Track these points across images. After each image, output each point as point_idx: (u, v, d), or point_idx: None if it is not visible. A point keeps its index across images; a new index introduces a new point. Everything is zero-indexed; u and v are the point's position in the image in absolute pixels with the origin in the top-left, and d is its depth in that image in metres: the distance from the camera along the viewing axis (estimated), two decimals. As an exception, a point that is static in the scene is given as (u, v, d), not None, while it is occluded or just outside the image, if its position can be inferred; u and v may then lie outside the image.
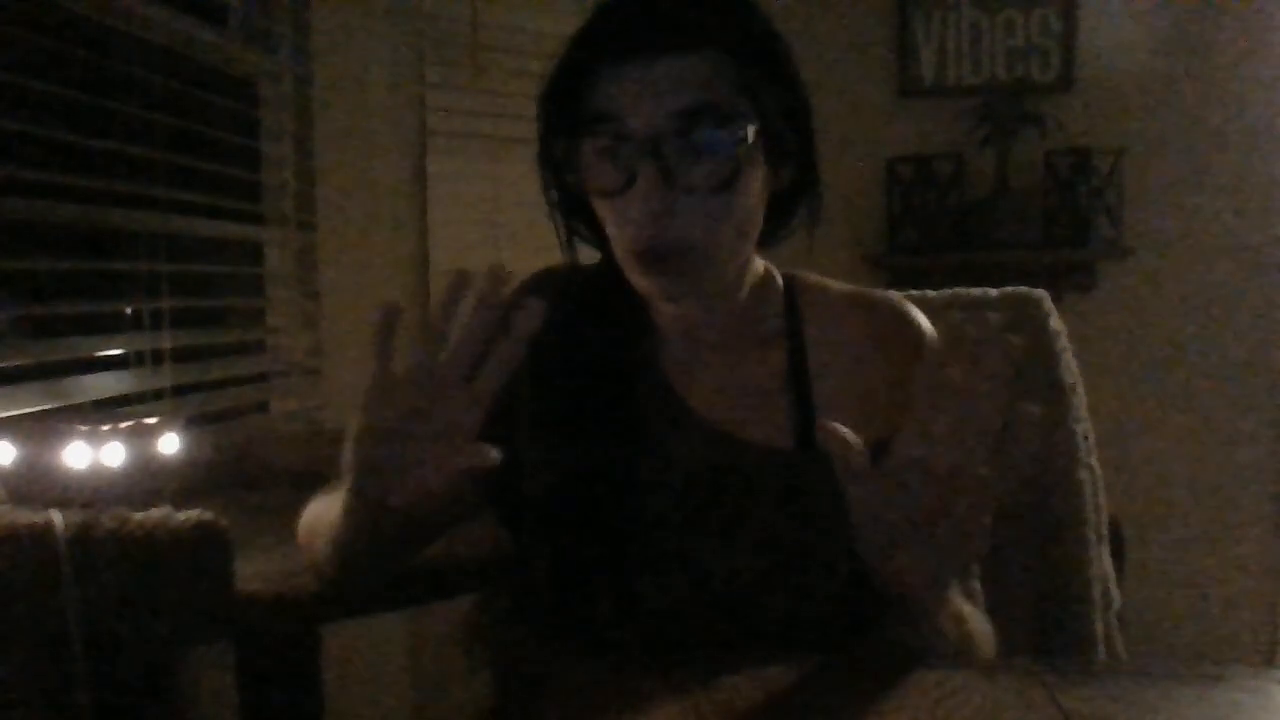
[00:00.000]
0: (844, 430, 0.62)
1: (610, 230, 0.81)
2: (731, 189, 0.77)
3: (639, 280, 0.81)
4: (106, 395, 1.33)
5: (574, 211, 0.88)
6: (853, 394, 0.83)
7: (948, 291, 1.24)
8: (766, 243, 0.88)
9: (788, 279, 0.91)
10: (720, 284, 0.83)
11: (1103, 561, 1.19)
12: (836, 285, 0.90)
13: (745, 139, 0.76)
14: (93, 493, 0.96)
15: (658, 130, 0.74)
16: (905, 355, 0.83)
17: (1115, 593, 1.19)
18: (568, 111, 0.79)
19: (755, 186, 0.80)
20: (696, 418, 0.84)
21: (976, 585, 1.03)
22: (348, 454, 0.72)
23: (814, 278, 0.91)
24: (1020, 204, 2.61)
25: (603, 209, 0.80)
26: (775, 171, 0.82)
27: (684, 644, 0.81)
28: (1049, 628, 1.17)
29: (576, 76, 0.78)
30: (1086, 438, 1.19)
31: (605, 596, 0.82)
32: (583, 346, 0.86)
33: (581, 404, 0.84)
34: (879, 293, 0.90)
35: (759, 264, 0.89)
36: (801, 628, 0.81)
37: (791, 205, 0.87)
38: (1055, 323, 1.20)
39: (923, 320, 0.87)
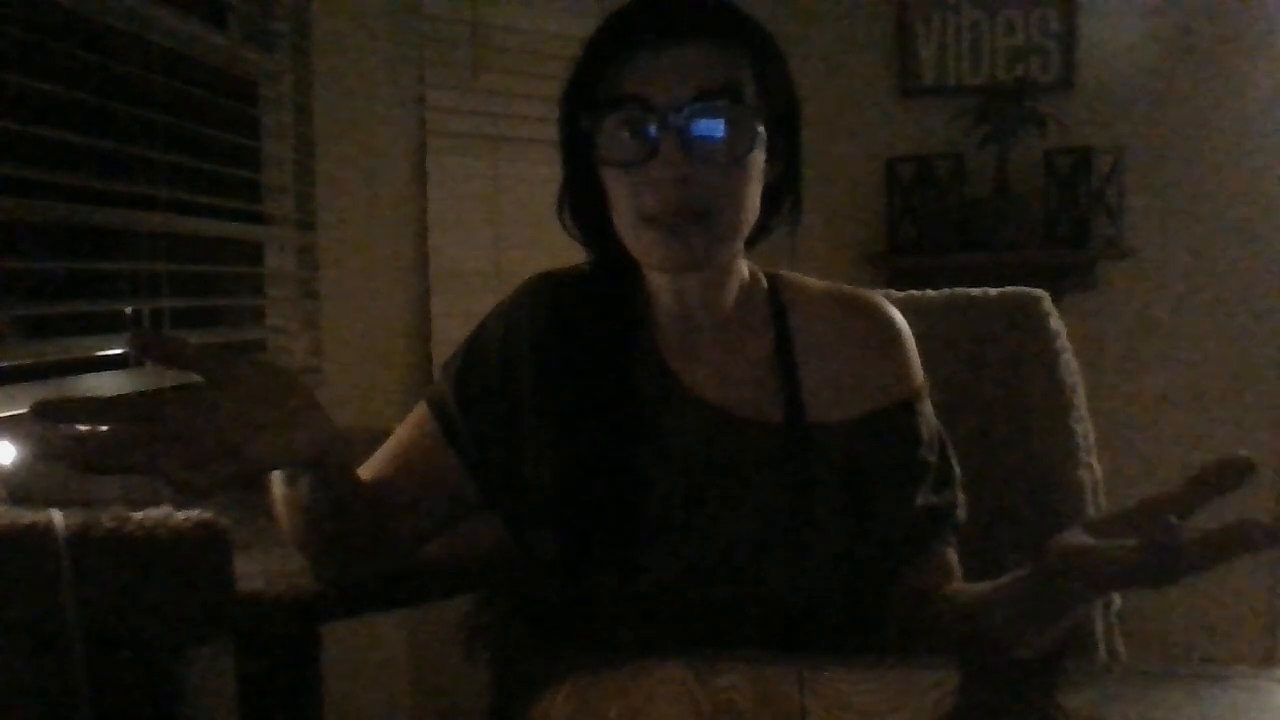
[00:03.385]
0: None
1: (624, 204, 0.86)
2: (740, 163, 0.84)
3: (649, 249, 0.86)
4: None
5: (581, 205, 0.92)
6: (834, 374, 0.91)
7: (947, 291, 1.24)
8: (753, 240, 0.93)
9: (771, 277, 0.97)
10: (720, 258, 0.88)
11: (1103, 562, 1.18)
12: (815, 281, 0.97)
13: (755, 119, 0.84)
14: (92, 493, 0.96)
15: (679, 106, 0.82)
16: (879, 342, 0.92)
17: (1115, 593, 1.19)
18: (596, 94, 0.85)
19: (756, 171, 0.87)
20: (693, 396, 0.90)
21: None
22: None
23: (795, 276, 0.98)
24: (1020, 204, 2.61)
25: (620, 182, 0.85)
26: (769, 164, 0.88)
27: (687, 615, 0.86)
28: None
29: (604, 64, 0.85)
30: (1086, 438, 1.19)
31: (610, 570, 0.88)
32: (583, 339, 0.92)
33: (584, 390, 0.90)
34: (854, 288, 0.97)
35: (745, 264, 0.95)
36: (800, 594, 0.87)
37: (778, 201, 0.93)
38: (1055, 323, 1.20)
39: (895, 313, 0.94)
